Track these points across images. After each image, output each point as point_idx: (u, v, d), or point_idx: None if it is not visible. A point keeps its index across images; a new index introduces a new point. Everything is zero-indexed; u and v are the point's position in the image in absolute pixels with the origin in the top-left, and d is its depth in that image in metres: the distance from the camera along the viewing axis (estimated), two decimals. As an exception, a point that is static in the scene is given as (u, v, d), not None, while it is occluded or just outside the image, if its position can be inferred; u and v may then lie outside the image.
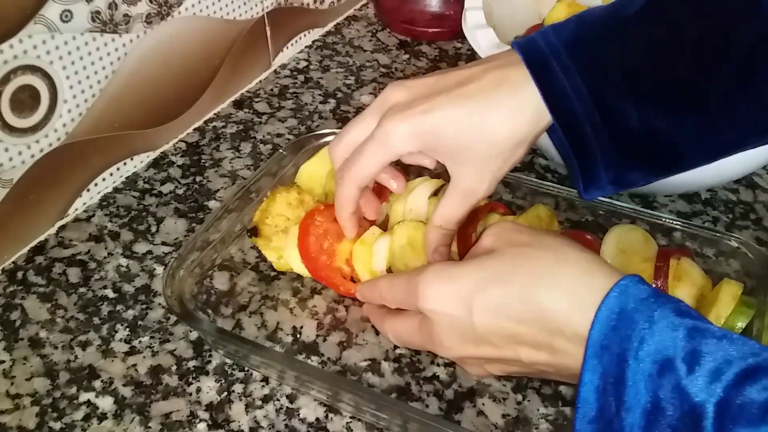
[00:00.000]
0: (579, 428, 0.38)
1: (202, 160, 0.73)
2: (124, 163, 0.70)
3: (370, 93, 0.82)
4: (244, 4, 0.78)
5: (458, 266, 0.43)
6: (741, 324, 0.50)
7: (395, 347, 0.54)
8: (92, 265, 0.61)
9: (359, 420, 0.50)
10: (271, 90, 0.83)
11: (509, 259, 0.42)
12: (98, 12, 0.62)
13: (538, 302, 0.40)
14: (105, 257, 0.62)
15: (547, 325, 0.40)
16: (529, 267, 0.41)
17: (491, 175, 0.48)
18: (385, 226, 0.58)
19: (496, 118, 0.46)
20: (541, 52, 0.45)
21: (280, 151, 0.65)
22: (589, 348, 0.37)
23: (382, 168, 0.50)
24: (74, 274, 0.61)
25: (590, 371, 0.37)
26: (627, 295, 0.38)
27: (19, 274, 0.61)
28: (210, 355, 0.54)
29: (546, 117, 0.46)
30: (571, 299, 0.39)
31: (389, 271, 0.54)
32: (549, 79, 0.45)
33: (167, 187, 0.69)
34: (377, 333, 0.55)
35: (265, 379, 0.53)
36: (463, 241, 0.55)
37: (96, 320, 0.57)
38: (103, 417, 0.50)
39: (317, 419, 0.50)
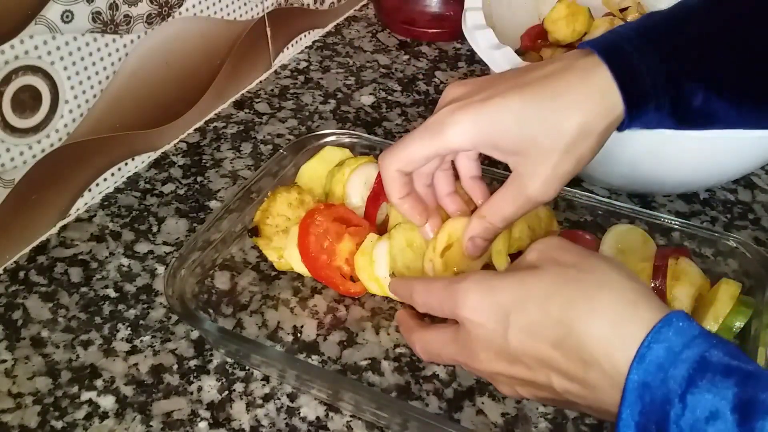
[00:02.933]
0: None
1: (203, 161, 0.73)
2: (126, 164, 0.70)
3: (370, 93, 0.82)
4: (245, 4, 0.78)
5: (499, 278, 0.41)
6: (739, 324, 0.50)
7: (395, 346, 0.55)
8: (94, 264, 0.62)
9: (359, 419, 0.50)
10: (272, 90, 0.83)
11: (550, 278, 0.39)
12: (99, 13, 0.62)
13: (574, 327, 0.37)
14: (106, 257, 0.62)
15: (581, 354, 0.37)
16: (569, 289, 0.38)
17: (555, 178, 0.45)
18: (385, 226, 0.58)
19: (562, 105, 0.43)
20: (610, 40, 0.44)
21: (281, 151, 0.65)
22: (629, 383, 0.35)
23: (428, 159, 0.47)
24: (76, 274, 0.61)
25: (629, 407, 0.35)
26: (674, 332, 0.35)
27: (21, 274, 0.61)
28: (211, 355, 0.55)
29: (617, 107, 0.43)
30: (612, 329, 0.36)
31: (392, 276, 0.53)
32: (621, 60, 0.43)
33: (168, 187, 0.70)
34: (377, 332, 0.56)
35: (266, 378, 0.53)
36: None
37: (97, 320, 0.57)
38: (104, 416, 0.51)
39: (318, 418, 0.51)
